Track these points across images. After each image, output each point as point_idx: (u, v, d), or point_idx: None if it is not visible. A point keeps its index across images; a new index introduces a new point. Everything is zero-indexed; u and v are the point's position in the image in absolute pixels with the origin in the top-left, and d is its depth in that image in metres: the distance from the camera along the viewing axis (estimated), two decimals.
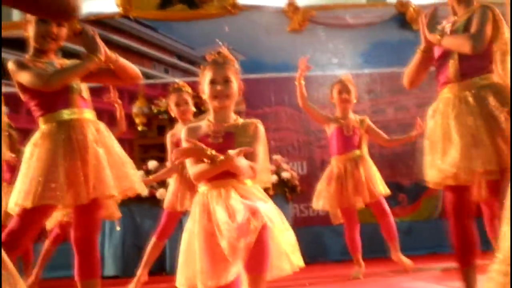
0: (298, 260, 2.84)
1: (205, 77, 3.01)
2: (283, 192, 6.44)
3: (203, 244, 2.74)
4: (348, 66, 7.58)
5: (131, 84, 4.19)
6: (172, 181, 4.96)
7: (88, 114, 3.27)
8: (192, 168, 2.92)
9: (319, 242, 6.96)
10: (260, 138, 2.99)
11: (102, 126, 3.31)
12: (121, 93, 6.43)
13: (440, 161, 3.20)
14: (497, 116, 3.09)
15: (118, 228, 6.21)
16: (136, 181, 3.30)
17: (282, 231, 2.81)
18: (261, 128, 3.02)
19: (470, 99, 3.17)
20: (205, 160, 2.85)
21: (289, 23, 7.76)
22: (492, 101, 3.13)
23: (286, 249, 2.81)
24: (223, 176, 2.86)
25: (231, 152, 2.79)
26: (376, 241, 5.71)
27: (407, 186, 7.19)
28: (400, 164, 7.10)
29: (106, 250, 6.47)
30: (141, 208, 6.44)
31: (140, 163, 6.77)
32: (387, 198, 5.34)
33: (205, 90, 3.01)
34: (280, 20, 7.80)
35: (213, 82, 2.97)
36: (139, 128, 7.13)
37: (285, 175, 6.57)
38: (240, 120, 3.05)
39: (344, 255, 5.89)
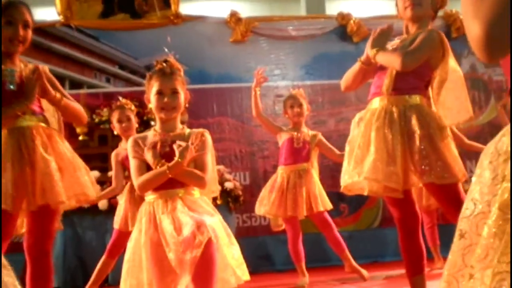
0: (243, 273, 2.87)
1: (152, 87, 2.99)
2: (226, 202, 6.45)
3: (149, 255, 2.73)
4: (290, 78, 7.65)
5: (76, 124, 4.04)
6: (121, 200, 4.92)
7: (39, 121, 3.20)
8: (137, 178, 2.90)
9: (263, 251, 6.98)
10: (207, 148, 2.99)
11: (54, 132, 3.25)
12: None
13: (352, 168, 3.29)
14: (415, 137, 3.18)
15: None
16: (88, 187, 3.25)
17: (227, 245, 2.82)
18: (208, 137, 3.03)
19: (395, 115, 3.25)
20: (152, 166, 2.84)
21: (232, 34, 7.78)
22: (414, 121, 3.22)
23: (231, 263, 2.82)
24: (171, 185, 2.86)
25: (179, 156, 2.79)
26: (319, 250, 5.77)
27: (348, 196, 7.23)
28: (340, 174, 7.15)
29: None
30: (82, 219, 6.34)
31: None
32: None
33: (152, 100, 3.00)
34: (223, 30, 7.82)
35: (160, 93, 2.95)
36: (80, 138, 7.03)
37: (228, 185, 6.59)
38: (187, 130, 3.04)
39: (288, 265, 5.93)
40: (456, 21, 8.00)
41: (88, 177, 3.30)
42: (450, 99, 3.29)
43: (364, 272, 5.33)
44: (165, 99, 2.94)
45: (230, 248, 2.84)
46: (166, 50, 3.09)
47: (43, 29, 7.50)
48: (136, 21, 7.72)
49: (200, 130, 3.06)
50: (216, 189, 3.23)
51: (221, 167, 6.68)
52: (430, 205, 5.46)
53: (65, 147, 3.26)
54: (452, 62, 3.34)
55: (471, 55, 7.75)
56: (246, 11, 8.16)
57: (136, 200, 4.40)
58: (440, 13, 7.63)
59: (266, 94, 6.65)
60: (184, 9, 7.98)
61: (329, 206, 5.35)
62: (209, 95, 7.43)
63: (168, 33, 7.36)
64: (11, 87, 3.16)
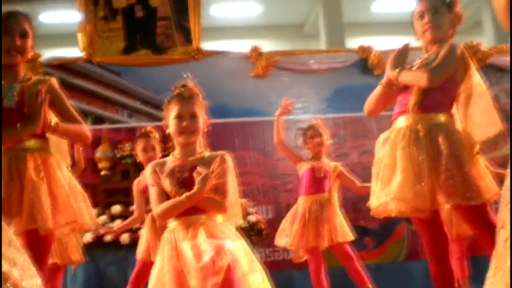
0: None
1: (171, 112, 2.96)
2: (249, 236, 6.40)
3: (173, 282, 2.67)
4: (312, 111, 7.64)
5: (82, 145, 3.95)
6: (144, 231, 4.88)
7: (36, 144, 3.10)
8: (156, 207, 2.86)
9: (287, 286, 6.89)
10: (228, 170, 2.93)
11: (53, 157, 3.15)
12: None
13: (380, 189, 3.25)
14: (441, 157, 3.14)
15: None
16: (83, 215, 3.13)
17: (248, 271, 2.75)
18: (228, 160, 2.97)
19: (421, 133, 3.21)
20: (170, 195, 2.81)
21: (253, 69, 7.81)
22: (441, 140, 3.17)
23: (256, 284, 2.73)
24: (192, 212, 2.81)
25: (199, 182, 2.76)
26: (344, 285, 5.68)
27: (372, 229, 7.20)
28: (365, 207, 7.07)
29: None
30: (104, 253, 6.32)
31: (104, 208, 6.70)
32: (353, 242, 5.32)
33: (170, 125, 2.96)
34: (244, 65, 7.85)
35: (179, 117, 2.92)
36: (103, 173, 7.06)
37: (251, 218, 6.55)
38: (206, 153, 2.99)
39: None
40: (477, 52, 7.97)
41: (84, 204, 3.18)
42: (478, 114, 3.24)
43: None
44: (184, 123, 2.91)
45: (252, 275, 2.76)
46: (185, 75, 3.07)
47: (65, 66, 7.59)
48: (157, 57, 7.79)
49: (220, 153, 2.99)
50: (239, 213, 3.17)
51: (244, 200, 6.64)
52: (460, 234, 5.29)
53: (62, 173, 3.15)
54: (475, 76, 3.30)
55: (494, 85, 7.71)
56: (267, 49, 8.18)
57: (158, 230, 4.33)
58: (461, 44, 7.62)
59: (288, 127, 6.60)
60: (206, 46, 8.03)
61: (350, 237, 5.27)
62: (231, 130, 7.43)
63: (189, 69, 7.37)
64: (9, 103, 3.07)
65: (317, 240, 5.16)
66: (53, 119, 3.15)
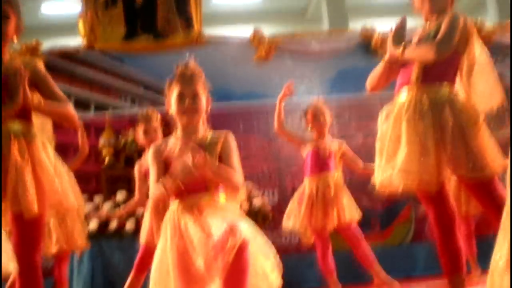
0: (275, 279, 2.73)
1: (172, 92, 2.92)
2: (255, 219, 6.36)
3: (176, 263, 2.62)
4: (316, 93, 7.58)
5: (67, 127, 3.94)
6: (146, 214, 4.85)
7: (20, 126, 3.07)
8: (152, 188, 2.82)
9: (292, 270, 6.85)
10: (232, 150, 2.90)
11: (38, 139, 3.12)
12: (88, 126, 6.36)
13: (385, 163, 3.20)
14: (447, 128, 3.09)
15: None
16: (66, 195, 3.10)
17: (263, 247, 2.71)
18: (231, 139, 2.94)
19: (426, 106, 3.16)
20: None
21: (255, 52, 7.76)
22: (446, 112, 3.13)
23: (264, 265, 2.70)
24: (195, 190, 2.77)
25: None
26: (352, 268, 5.67)
27: (378, 211, 7.16)
28: (370, 188, 7.05)
29: (75, 285, 6.31)
30: (110, 241, 6.31)
31: (108, 195, 6.68)
32: (360, 223, 5.30)
33: (172, 105, 2.92)
34: (246, 50, 7.80)
35: (181, 97, 2.88)
36: (106, 160, 7.03)
37: (256, 202, 6.52)
38: (209, 134, 2.94)
39: (321, 282, 5.82)
40: (481, 30, 7.89)
41: (71, 185, 3.16)
42: (481, 84, 3.20)
43: (396, 283, 5.17)
44: (186, 103, 2.87)
45: (266, 249, 2.73)
46: (187, 54, 3.03)
47: (67, 55, 7.55)
48: (159, 42, 7.74)
49: (223, 131, 2.96)
50: (242, 192, 3.13)
51: (249, 184, 6.61)
52: (468, 211, 5.23)
53: (47, 155, 3.12)
54: (477, 45, 3.25)
55: (499, 63, 7.63)
56: (269, 33, 8.14)
57: (160, 212, 4.31)
58: None
59: (292, 110, 6.56)
60: (207, 32, 7.98)
61: (357, 216, 5.24)
62: (235, 114, 7.39)
63: (191, 54, 7.34)
64: None
65: (325, 219, 5.13)
66: (37, 97, 3.11)
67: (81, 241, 5.40)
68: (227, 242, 2.51)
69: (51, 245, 5.23)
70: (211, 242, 2.56)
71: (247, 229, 2.66)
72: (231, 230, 2.55)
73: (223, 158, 2.85)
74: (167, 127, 5.27)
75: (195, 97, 2.89)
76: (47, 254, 5.25)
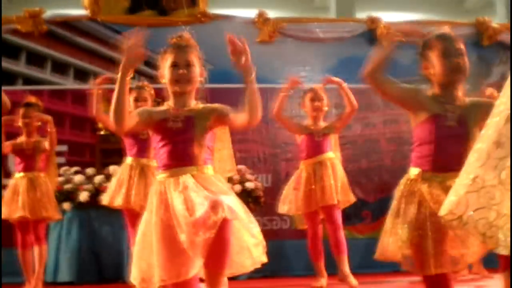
0: (260, 255, 2.72)
1: (166, 61, 2.89)
2: (246, 203, 6.35)
3: (160, 236, 2.59)
4: (317, 80, 7.51)
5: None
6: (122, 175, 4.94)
7: None
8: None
9: (282, 255, 6.86)
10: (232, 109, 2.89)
11: None
12: (84, 97, 6.31)
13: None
14: None
15: None
16: None
17: (246, 223, 2.69)
18: (228, 107, 2.93)
19: None
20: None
21: (259, 34, 7.70)
22: None
23: (248, 242, 2.68)
24: (183, 163, 2.75)
25: None
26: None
27: (371, 203, 7.15)
28: (364, 180, 7.07)
29: (62, 255, 6.31)
30: (99, 213, 6.29)
31: (101, 167, 6.66)
32: (352, 214, 5.29)
33: (165, 74, 2.89)
34: (250, 31, 7.73)
35: (174, 65, 2.85)
36: (101, 133, 6.99)
37: (249, 185, 6.50)
38: (201, 105, 2.92)
39: (308, 270, 5.82)
40: (488, 29, 7.85)
41: None
42: None
43: (354, 282, 5.14)
44: (180, 71, 2.84)
45: (249, 226, 2.70)
46: (183, 27, 2.99)
47: (69, 24, 7.49)
48: (162, 18, 7.67)
49: (216, 104, 2.97)
50: (232, 168, 3.11)
51: (243, 167, 6.59)
52: None
53: None
54: None
55: (502, 64, 7.60)
56: (275, 16, 8.07)
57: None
58: (472, 20, 7.50)
59: (291, 95, 6.53)
60: (212, 11, 7.92)
61: (351, 199, 5.28)
62: (233, 95, 7.23)
63: (195, 32, 7.28)
64: None
65: (323, 198, 5.12)
66: None
67: (48, 212, 5.41)
68: (209, 219, 2.47)
69: (16, 210, 5.26)
70: (192, 219, 2.52)
71: (233, 204, 2.62)
72: (213, 208, 2.50)
73: (226, 115, 2.87)
74: (158, 105, 5.29)
75: (188, 66, 2.87)
76: (10, 218, 5.33)
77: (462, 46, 2.86)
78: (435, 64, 2.86)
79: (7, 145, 5.46)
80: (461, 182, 1.83)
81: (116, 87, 2.74)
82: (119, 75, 2.74)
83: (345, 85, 5.27)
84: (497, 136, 1.72)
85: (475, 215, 1.75)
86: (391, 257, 2.89)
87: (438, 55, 2.85)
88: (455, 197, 1.83)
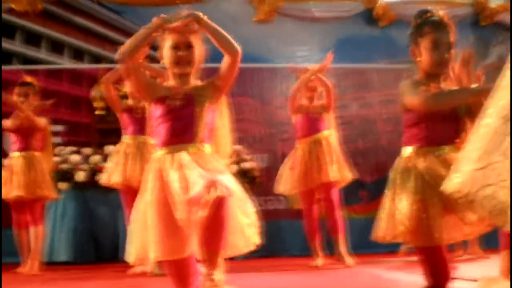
0: (253, 235, 2.71)
1: (166, 42, 2.87)
2: (242, 182, 6.34)
3: (156, 214, 2.59)
4: (314, 60, 7.48)
5: None
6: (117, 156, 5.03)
7: None
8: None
9: (278, 236, 6.87)
10: None
11: None
12: (80, 76, 6.31)
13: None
14: None
15: None
16: None
17: (241, 203, 2.68)
18: None
19: None
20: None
21: (256, 14, 7.66)
22: None
23: (242, 221, 2.67)
24: (180, 140, 2.74)
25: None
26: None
27: (368, 183, 7.15)
28: (362, 161, 7.06)
29: (57, 235, 6.30)
30: (96, 193, 6.29)
31: (98, 147, 6.65)
32: (349, 195, 5.30)
33: (165, 55, 2.87)
34: (247, 10, 7.70)
35: (174, 47, 2.83)
36: (97, 112, 6.97)
37: (245, 165, 6.50)
38: (200, 83, 2.91)
39: (304, 251, 5.84)
40: (485, 9, 7.81)
41: None
42: None
43: (350, 261, 5.18)
44: (180, 53, 2.83)
45: (245, 204, 2.71)
46: (180, 5, 2.97)
47: (64, 2, 7.43)
48: None
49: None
50: (229, 150, 3.11)
51: (240, 147, 6.58)
52: None
53: None
54: None
55: (500, 44, 7.57)
56: None
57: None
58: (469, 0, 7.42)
59: (289, 75, 6.52)
60: None
61: (348, 177, 5.29)
62: None
63: (192, 10, 7.23)
64: None
65: (319, 176, 5.15)
66: None
67: (44, 192, 5.40)
68: (203, 197, 2.47)
69: (12, 190, 5.25)
70: (186, 197, 2.51)
71: (229, 182, 2.61)
72: (208, 186, 2.50)
73: (218, 75, 2.90)
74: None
75: (189, 47, 2.85)
76: (6, 198, 5.34)
77: (452, 38, 2.84)
78: (423, 54, 2.87)
79: (7, 123, 5.44)
80: (466, 157, 1.79)
81: (143, 29, 2.81)
82: (150, 24, 2.82)
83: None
84: (506, 111, 1.69)
85: (481, 193, 1.72)
86: (389, 238, 2.89)
87: (428, 46, 2.85)
88: (460, 173, 1.80)
